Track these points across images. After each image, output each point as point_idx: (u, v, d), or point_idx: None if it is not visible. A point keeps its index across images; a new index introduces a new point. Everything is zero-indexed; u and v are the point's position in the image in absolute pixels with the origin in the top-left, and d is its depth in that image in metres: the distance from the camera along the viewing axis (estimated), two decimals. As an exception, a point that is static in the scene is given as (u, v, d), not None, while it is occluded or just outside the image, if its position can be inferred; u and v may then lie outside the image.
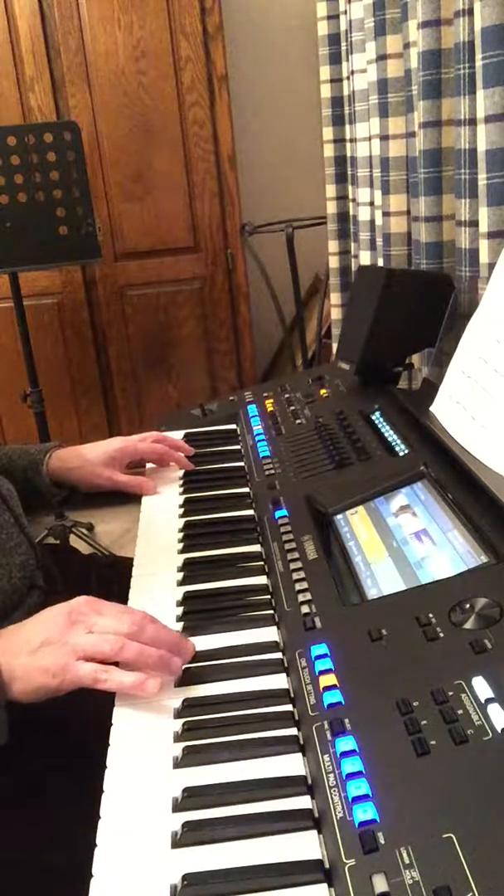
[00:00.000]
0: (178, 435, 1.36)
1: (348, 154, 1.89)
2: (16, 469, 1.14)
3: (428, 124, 1.30)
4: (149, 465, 1.25)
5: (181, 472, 1.22)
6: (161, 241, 2.58)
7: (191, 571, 0.93)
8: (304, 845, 0.54)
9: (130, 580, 0.94)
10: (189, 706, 0.69)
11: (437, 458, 0.98)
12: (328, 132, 1.96)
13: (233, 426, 1.37)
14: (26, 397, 2.33)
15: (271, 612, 0.82)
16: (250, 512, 1.05)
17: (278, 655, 0.75)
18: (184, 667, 0.74)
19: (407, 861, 0.49)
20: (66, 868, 0.61)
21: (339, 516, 0.95)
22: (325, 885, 0.51)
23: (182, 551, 0.98)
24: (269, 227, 2.51)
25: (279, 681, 0.71)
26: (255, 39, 2.76)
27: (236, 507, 1.07)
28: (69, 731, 0.81)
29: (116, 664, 0.71)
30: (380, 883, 0.48)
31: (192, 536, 1.01)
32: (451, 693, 0.60)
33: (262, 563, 0.92)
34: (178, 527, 1.04)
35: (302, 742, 0.63)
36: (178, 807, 0.59)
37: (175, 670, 0.72)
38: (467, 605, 0.68)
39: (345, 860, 0.50)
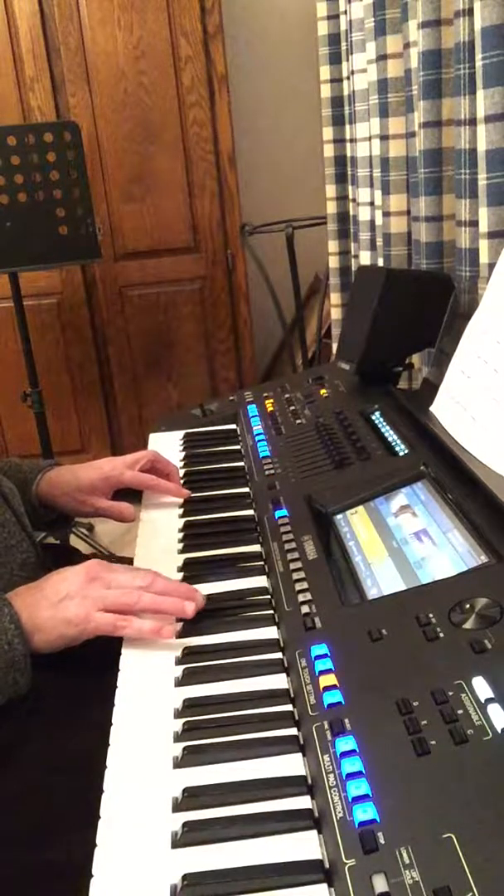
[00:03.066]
0: (177, 435, 1.36)
1: (348, 154, 1.89)
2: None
3: (428, 124, 1.30)
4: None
5: (181, 473, 1.22)
6: (161, 241, 2.58)
7: (191, 571, 0.93)
8: (304, 845, 0.54)
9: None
10: (189, 706, 0.69)
11: (437, 458, 0.98)
12: (328, 132, 1.96)
13: (233, 426, 1.37)
14: (26, 397, 2.33)
15: (271, 612, 0.82)
16: (250, 512, 1.05)
17: (278, 655, 0.75)
18: (184, 666, 0.74)
19: (407, 861, 0.49)
20: (66, 868, 0.61)
21: (339, 516, 0.95)
22: (325, 885, 0.51)
23: (182, 551, 0.98)
24: (269, 227, 2.51)
25: (279, 681, 0.71)
26: (255, 39, 2.76)
27: (236, 507, 1.07)
28: (69, 731, 0.81)
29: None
30: (380, 883, 0.48)
31: (192, 536, 1.01)
32: (451, 693, 0.60)
33: (262, 563, 0.92)
34: (178, 527, 1.04)
35: (302, 742, 0.63)
36: (178, 807, 0.59)
37: (190, 613, 0.80)
38: (467, 605, 0.68)
39: (345, 860, 0.50)
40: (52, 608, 0.78)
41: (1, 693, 0.77)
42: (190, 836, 0.56)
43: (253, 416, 1.32)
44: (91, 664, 0.79)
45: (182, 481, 1.18)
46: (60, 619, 0.77)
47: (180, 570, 0.94)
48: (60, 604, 0.78)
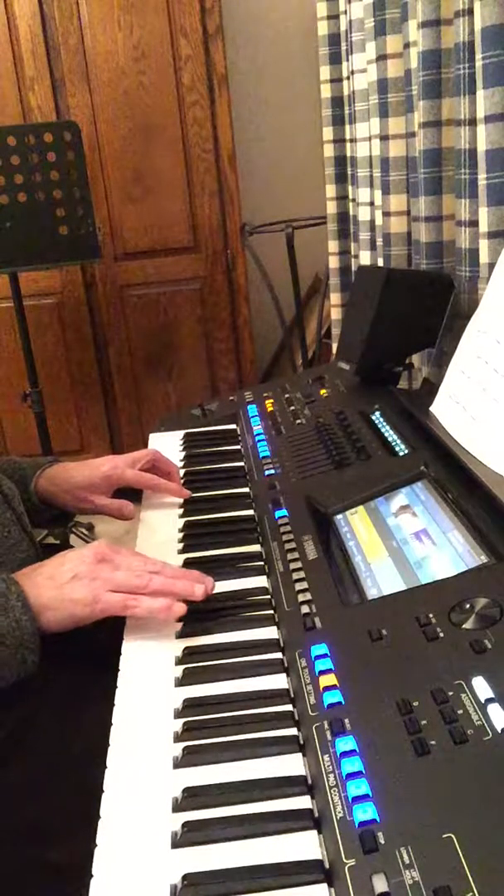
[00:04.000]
0: (177, 435, 1.36)
1: (348, 154, 1.89)
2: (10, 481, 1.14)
3: (428, 124, 1.30)
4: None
5: (181, 473, 1.22)
6: (161, 241, 2.58)
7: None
8: (304, 845, 0.54)
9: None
10: (189, 706, 0.69)
11: (437, 458, 0.98)
12: (328, 132, 1.96)
13: (233, 426, 1.37)
14: (26, 397, 2.33)
15: (271, 612, 0.82)
16: (250, 512, 1.05)
17: (278, 655, 0.75)
18: (184, 666, 0.74)
19: (407, 861, 0.48)
20: (66, 867, 0.61)
21: (339, 516, 0.95)
22: (325, 885, 0.51)
23: (182, 551, 0.98)
24: (269, 227, 2.51)
25: (279, 681, 0.71)
26: (255, 39, 2.76)
27: (236, 507, 1.07)
28: (69, 731, 0.81)
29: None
30: (380, 883, 0.48)
31: (192, 536, 1.01)
32: (451, 693, 0.60)
33: (262, 563, 0.92)
34: (179, 527, 1.04)
35: (302, 742, 0.63)
36: (178, 807, 0.59)
37: (200, 595, 0.80)
38: (467, 605, 0.68)
39: (345, 860, 0.50)
40: (60, 588, 0.78)
41: (11, 671, 0.76)
42: (190, 836, 0.56)
43: (253, 416, 1.32)
44: (91, 663, 0.79)
45: (182, 481, 1.18)
46: (69, 599, 0.77)
47: (180, 570, 0.94)
48: (69, 584, 0.78)
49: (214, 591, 0.87)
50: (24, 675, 0.77)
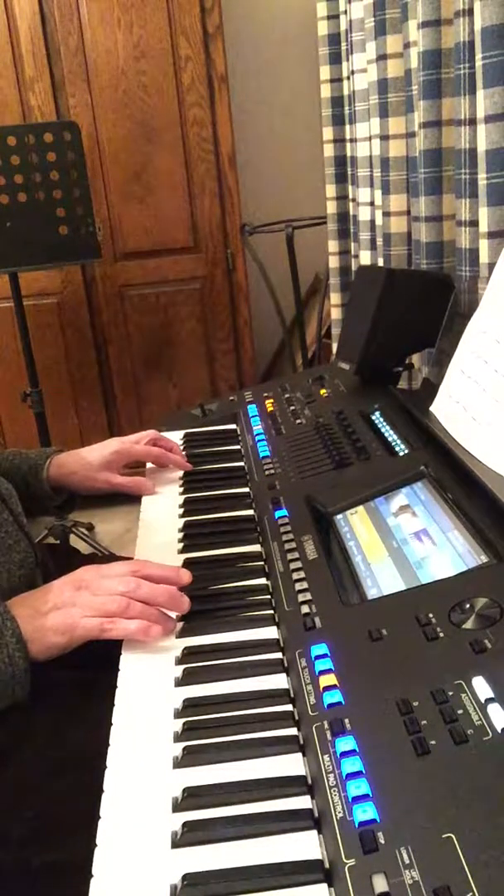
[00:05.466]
0: (177, 435, 1.36)
1: (348, 154, 1.89)
2: (16, 474, 1.15)
3: (428, 124, 1.30)
4: (149, 465, 1.25)
5: (181, 473, 1.22)
6: (161, 241, 2.58)
7: (191, 571, 0.93)
8: (304, 845, 0.54)
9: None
10: (189, 706, 0.69)
11: (437, 458, 0.98)
12: (328, 132, 1.96)
13: (233, 426, 1.37)
14: (26, 397, 2.33)
15: (271, 611, 0.82)
16: (250, 512, 1.05)
17: (278, 655, 0.75)
18: (184, 666, 0.74)
19: (407, 861, 0.48)
20: (66, 867, 0.61)
21: (339, 516, 0.95)
22: (325, 885, 0.51)
23: (182, 551, 0.98)
24: (269, 227, 2.51)
25: (279, 681, 0.71)
26: (255, 39, 2.76)
27: (236, 507, 1.07)
28: (69, 731, 0.81)
29: None
30: (380, 883, 0.48)
31: (192, 536, 1.01)
32: (451, 693, 0.60)
33: (262, 563, 0.92)
34: (178, 527, 1.04)
35: (302, 742, 0.63)
36: (178, 807, 0.59)
37: (170, 628, 0.80)
38: (467, 605, 0.68)
39: (345, 860, 0.50)
40: (41, 618, 0.78)
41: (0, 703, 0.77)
42: (190, 836, 0.56)
43: (253, 416, 1.32)
44: (91, 664, 0.79)
45: (182, 481, 1.18)
46: (48, 629, 0.78)
47: (180, 569, 0.94)
48: (49, 614, 0.79)
49: (214, 591, 0.87)
50: (10, 704, 0.78)
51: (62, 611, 0.79)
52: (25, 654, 0.77)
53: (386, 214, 1.56)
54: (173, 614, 0.82)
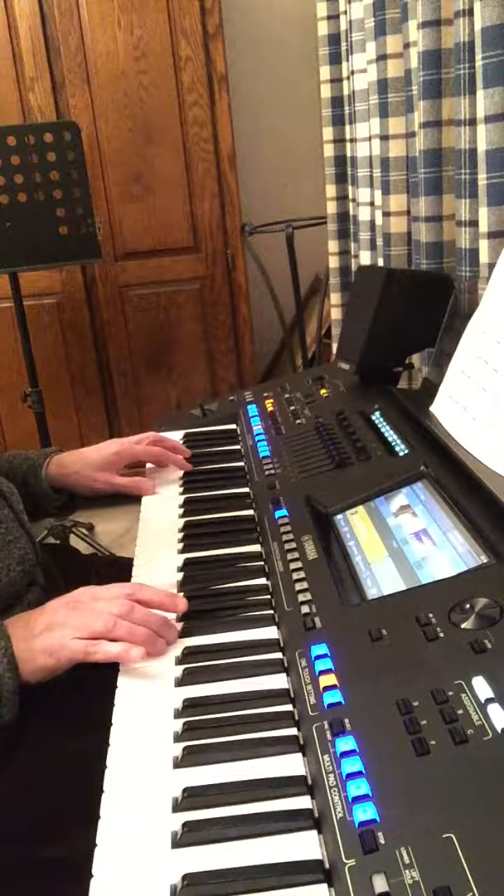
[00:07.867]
0: (177, 435, 1.36)
1: (348, 154, 1.89)
2: (16, 474, 1.16)
3: (428, 124, 1.30)
4: (148, 466, 1.25)
5: (181, 473, 1.22)
6: (161, 241, 2.58)
7: (191, 571, 0.93)
8: (304, 845, 0.54)
9: (130, 580, 0.94)
10: (189, 706, 0.69)
11: (437, 458, 0.98)
12: (328, 132, 1.96)
13: (233, 426, 1.37)
14: (26, 397, 2.33)
15: (271, 612, 0.82)
16: (250, 512, 1.05)
17: (278, 655, 0.75)
18: (184, 666, 0.74)
19: (407, 861, 0.48)
20: (66, 867, 0.61)
21: (339, 516, 0.95)
22: (325, 885, 0.51)
23: (182, 551, 0.98)
24: (269, 227, 2.51)
25: (279, 681, 0.71)
26: (255, 39, 2.76)
27: (236, 507, 1.07)
28: (69, 731, 0.81)
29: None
30: (380, 883, 0.48)
31: (192, 536, 1.01)
32: (451, 693, 0.60)
33: (262, 563, 0.92)
34: (178, 527, 1.04)
35: (302, 742, 0.63)
36: (178, 807, 0.59)
37: (160, 651, 0.78)
38: (467, 605, 0.68)
39: (345, 860, 0.50)
40: (33, 640, 0.78)
41: None
42: (190, 836, 0.56)
43: (253, 416, 1.32)
44: (91, 663, 0.79)
45: (182, 481, 1.19)
46: (38, 650, 0.77)
47: (180, 569, 0.94)
48: (40, 636, 0.78)
49: (214, 591, 0.87)
50: None
51: (52, 632, 0.78)
52: (16, 675, 0.76)
53: (386, 214, 1.56)
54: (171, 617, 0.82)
